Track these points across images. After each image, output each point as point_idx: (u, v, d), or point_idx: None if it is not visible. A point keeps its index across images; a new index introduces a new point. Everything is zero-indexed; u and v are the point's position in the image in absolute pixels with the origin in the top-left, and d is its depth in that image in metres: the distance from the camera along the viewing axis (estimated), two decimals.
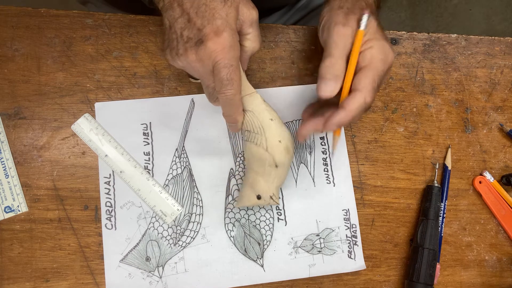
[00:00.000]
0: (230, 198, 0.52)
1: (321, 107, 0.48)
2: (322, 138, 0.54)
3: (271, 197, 0.47)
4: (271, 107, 0.48)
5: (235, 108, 0.44)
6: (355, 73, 0.43)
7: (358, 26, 0.42)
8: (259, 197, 0.47)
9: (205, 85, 0.43)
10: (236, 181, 0.52)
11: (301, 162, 0.53)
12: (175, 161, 0.52)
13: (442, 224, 0.55)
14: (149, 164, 0.51)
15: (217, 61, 0.39)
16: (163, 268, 0.50)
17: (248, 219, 0.51)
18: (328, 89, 0.42)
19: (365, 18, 0.42)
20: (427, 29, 1.57)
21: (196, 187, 0.51)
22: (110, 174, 0.50)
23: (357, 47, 0.43)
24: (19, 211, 0.49)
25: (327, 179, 0.53)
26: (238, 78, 0.41)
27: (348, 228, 0.53)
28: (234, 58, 0.40)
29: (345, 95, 0.43)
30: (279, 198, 0.48)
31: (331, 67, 0.42)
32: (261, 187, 0.47)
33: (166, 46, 0.42)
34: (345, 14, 0.43)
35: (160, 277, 0.49)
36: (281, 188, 0.52)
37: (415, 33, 0.58)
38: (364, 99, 0.41)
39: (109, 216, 0.50)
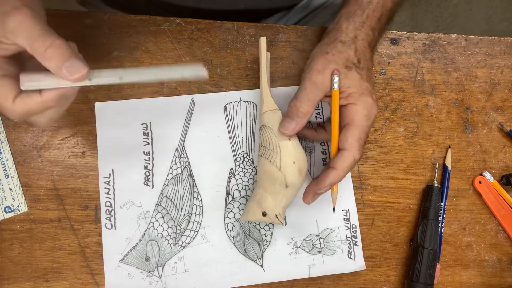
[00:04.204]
0: (230, 198, 0.52)
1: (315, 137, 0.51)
2: None
3: (276, 216, 0.47)
4: None
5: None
6: (341, 129, 0.45)
7: (332, 85, 0.44)
8: (264, 214, 0.47)
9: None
10: (236, 181, 0.52)
11: None
12: (175, 161, 0.52)
13: (442, 224, 0.55)
14: (149, 164, 0.51)
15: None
16: (162, 268, 0.50)
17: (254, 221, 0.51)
18: (290, 127, 0.45)
19: (335, 78, 0.44)
20: (427, 29, 1.57)
21: (196, 187, 0.52)
22: (110, 174, 0.50)
23: (336, 105, 0.45)
24: (19, 211, 0.49)
25: None
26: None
27: (348, 228, 0.53)
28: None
29: (334, 153, 0.45)
30: (284, 219, 0.48)
31: (296, 108, 0.45)
32: (268, 204, 0.46)
33: None
34: (325, 62, 0.44)
35: (160, 277, 0.49)
36: None
37: (415, 33, 0.58)
38: (353, 157, 0.43)
39: (109, 216, 0.50)
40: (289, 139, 0.46)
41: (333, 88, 0.44)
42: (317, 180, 0.45)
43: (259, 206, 0.47)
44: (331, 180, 0.43)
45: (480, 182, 0.56)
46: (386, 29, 0.52)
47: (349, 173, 0.54)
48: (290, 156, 0.46)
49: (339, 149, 0.44)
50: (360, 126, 0.44)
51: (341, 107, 0.45)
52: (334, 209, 0.48)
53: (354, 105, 0.44)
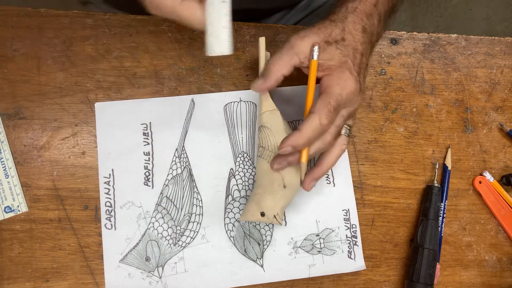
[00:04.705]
0: (230, 198, 0.52)
1: None
2: None
3: (274, 216, 0.47)
4: (289, 127, 0.48)
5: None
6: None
7: (311, 55, 0.45)
8: (262, 214, 0.46)
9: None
10: (236, 181, 0.52)
11: None
12: (175, 161, 0.52)
13: (442, 224, 0.55)
14: (149, 164, 0.51)
15: None
16: (162, 268, 0.50)
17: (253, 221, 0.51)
18: (257, 83, 0.45)
19: (315, 49, 0.44)
20: (427, 29, 1.57)
21: (196, 187, 0.51)
22: (110, 174, 0.50)
23: (312, 75, 0.45)
24: (19, 211, 0.49)
25: (327, 179, 0.53)
26: None
27: (348, 228, 0.53)
28: None
29: None
30: (283, 219, 0.48)
31: (267, 67, 0.45)
32: (266, 205, 0.46)
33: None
34: (307, 31, 0.45)
35: (160, 277, 0.49)
36: None
37: (415, 33, 0.58)
38: (318, 120, 0.42)
39: (109, 216, 0.50)
40: None
41: (312, 58, 0.44)
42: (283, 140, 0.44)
43: (258, 206, 0.47)
44: (292, 140, 0.42)
45: (480, 182, 0.56)
46: (389, 16, 0.51)
47: (350, 173, 0.54)
48: None
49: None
50: (331, 93, 0.43)
51: (319, 80, 0.46)
52: (301, 181, 0.46)
53: (329, 75, 0.44)
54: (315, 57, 0.44)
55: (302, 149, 0.43)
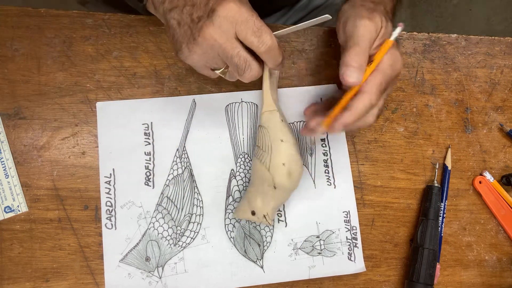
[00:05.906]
0: (230, 199, 0.52)
1: (324, 109, 0.48)
2: (323, 140, 0.54)
3: (264, 216, 0.47)
4: (288, 128, 0.48)
5: (277, 51, 0.41)
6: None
7: (389, 35, 0.44)
8: (253, 213, 0.47)
9: (233, 55, 0.40)
10: (237, 182, 0.52)
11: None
12: (176, 161, 0.52)
13: (442, 224, 0.55)
14: (150, 164, 0.51)
15: (237, 19, 0.38)
16: (162, 269, 0.50)
17: (249, 220, 0.51)
18: (354, 76, 0.41)
19: (398, 30, 0.43)
20: (427, 29, 1.57)
21: (197, 187, 0.51)
22: (110, 174, 0.50)
23: (382, 54, 0.44)
24: (19, 211, 0.49)
25: (327, 181, 0.53)
26: (264, 26, 0.40)
27: (349, 230, 0.53)
28: (249, 10, 0.39)
29: (350, 97, 0.43)
30: (273, 220, 0.48)
31: (357, 55, 0.42)
32: (257, 204, 0.47)
33: (179, 45, 0.41)
34: (370, 11, 0.44)
35: (160, 277, 0.49)
36: None
37: (415, 33, 0.58)
38: (369, 100, 0.42)
39: (109, 215, 0.50)
40: (282, 140, 0.46)
41: (390, 38, 0.43)
42: (334, 118, 0.43)
43: (249, 205, 0.47)
44: (344, 120, 0.42)
45: (480, 182, 0.56)
46: (394, 14, 0.52)
47: (350, 175, 0.54)
48: (280, 158, 0.46)
49: (358, 93, 0.43)
50: (384, 73, 0.43)
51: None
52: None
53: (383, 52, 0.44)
54: (394, 37, 0.43)
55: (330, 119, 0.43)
